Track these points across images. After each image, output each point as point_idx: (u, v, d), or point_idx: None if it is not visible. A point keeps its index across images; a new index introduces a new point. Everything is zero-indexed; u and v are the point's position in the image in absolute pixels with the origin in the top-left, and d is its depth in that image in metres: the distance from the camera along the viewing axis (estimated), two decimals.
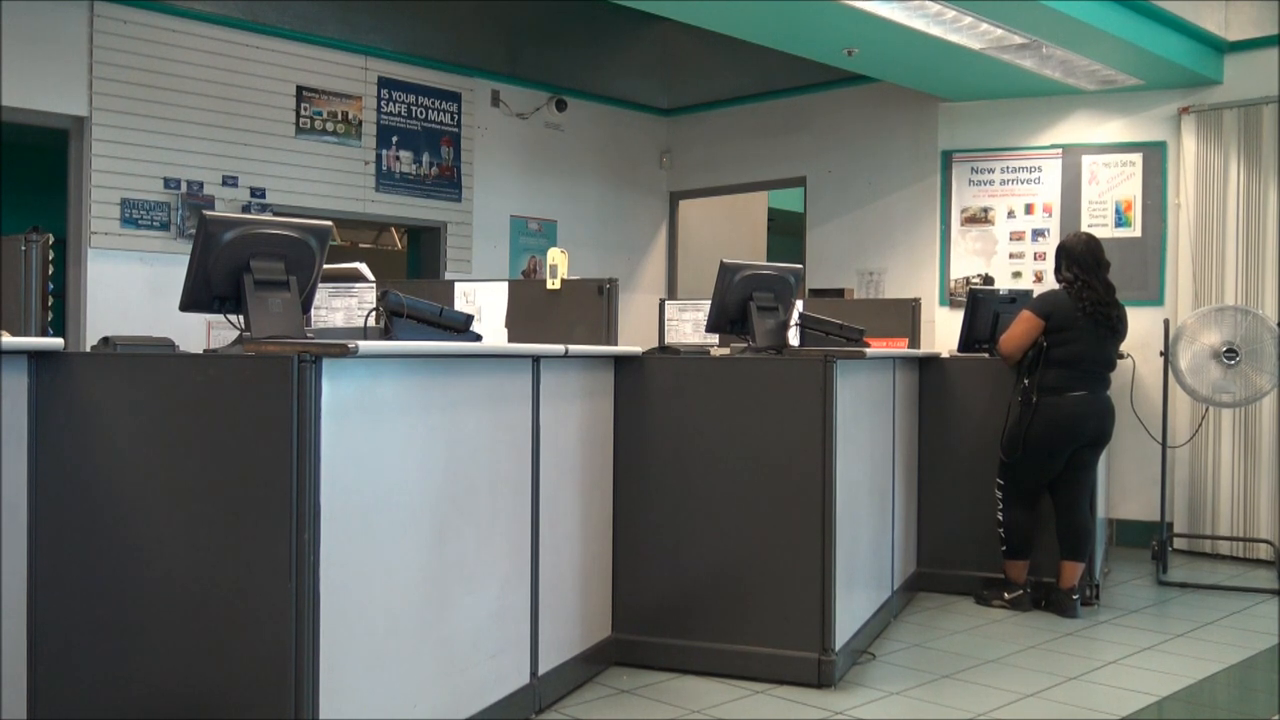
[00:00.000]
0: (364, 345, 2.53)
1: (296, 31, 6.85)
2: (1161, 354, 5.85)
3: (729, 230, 9.55)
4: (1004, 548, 5.10)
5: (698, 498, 3.94)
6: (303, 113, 6.92)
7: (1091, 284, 4.92)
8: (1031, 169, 7.11)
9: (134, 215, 6.22)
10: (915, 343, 5.84)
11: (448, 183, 7.65)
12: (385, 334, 3.03)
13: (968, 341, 5.55)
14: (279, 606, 2.44)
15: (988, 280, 7.13)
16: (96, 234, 6.10)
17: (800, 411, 3.83)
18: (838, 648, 3.85)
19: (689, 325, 5.79)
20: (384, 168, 7.32)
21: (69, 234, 6.12)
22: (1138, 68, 6.42)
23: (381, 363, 2.75)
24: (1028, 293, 5.62)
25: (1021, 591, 5.08)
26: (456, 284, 4.80)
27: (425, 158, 7.52)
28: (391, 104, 7.35)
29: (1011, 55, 6.21)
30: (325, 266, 3.11)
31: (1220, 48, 6.56)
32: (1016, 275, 7.12)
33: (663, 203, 9.11)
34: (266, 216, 3.46)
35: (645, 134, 8.97)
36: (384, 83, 7.31)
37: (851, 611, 4.12)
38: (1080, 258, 4.96)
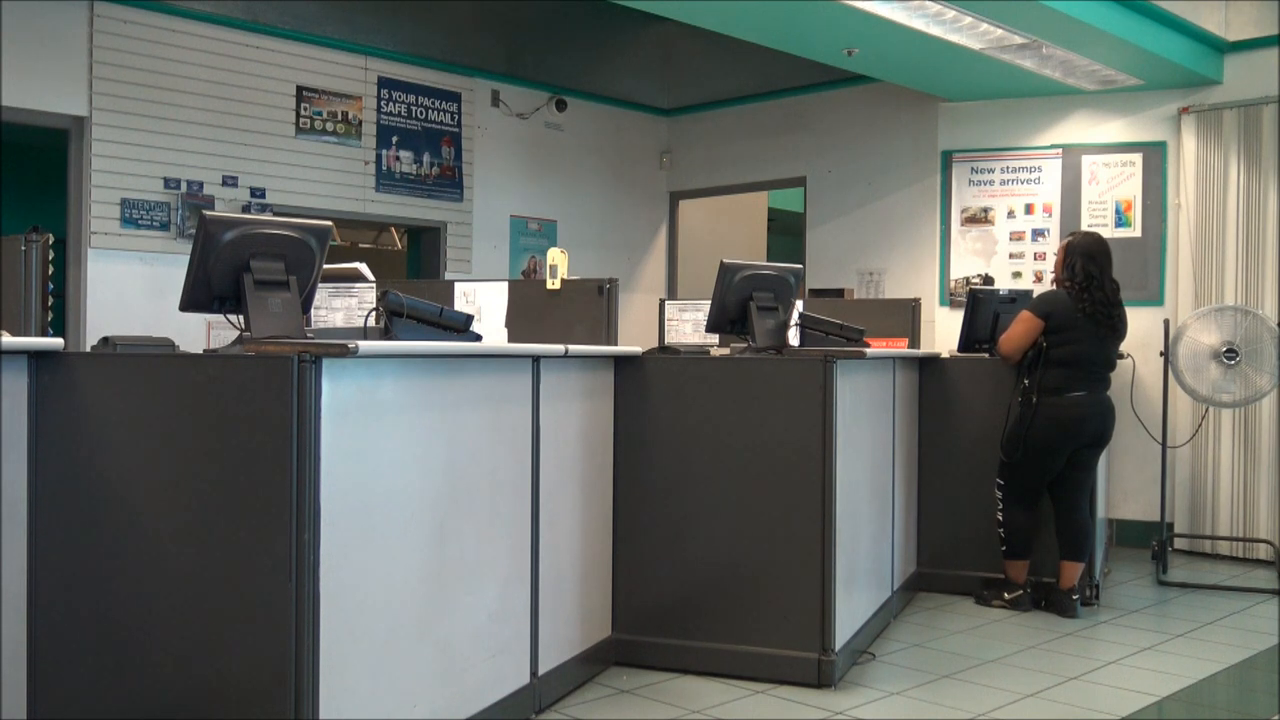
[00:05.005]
0: (364, 345, 2.53)
1: (296, 31, 6.85)
2: (1161, 354, 5.86)
3: (729, 230, 9.55)
4: (1004, 548, 5.10)
5: (698, 498, 3.94)
6: (303, 113, 6.92)
7: (1103, 284, 4.92)
8: (1031, 169, 7.11)
9: (134, 215, 6.22)
10: (915, 343, 5.84)
11: (448, 183, 7.66)
12: (385, 334, 3.03)
13: (968, 341, 5.55)
14: (279, 606, 2.44)
15: (988, 280, 7.13)
16: (96, 234, 6.10)
17: (800, 411, 3.83)
18: (838, 648, 3.85)
19: (689, 325, 5.79)
20: (384, 168, 7.32)
21: (69, 234, 6.12)
22: (1138, 68, 6.42)
23: (381, 363, 2.75)
24: (1028, 293, 5.62)
25: (1021, 591, 5.08)
26: (456, 284, 4.80)
27: (425, 158, 7.52)
28: (391, 104, 7.35)
29: (1011, 55, 6.21)
30: (325, 266, 3.11)
31: (1220, 48, 6.56)
32: (1016, 275, 7.12)
33: (663, 203, 9.11)
34: (266, 216, 3.46)
35: (645, 134, 8.97)
36: (384, 83, 7.31)
37: (851, 611, 4.12)
38: (1097, 256, 4.95)
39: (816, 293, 7.17)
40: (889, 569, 4.83)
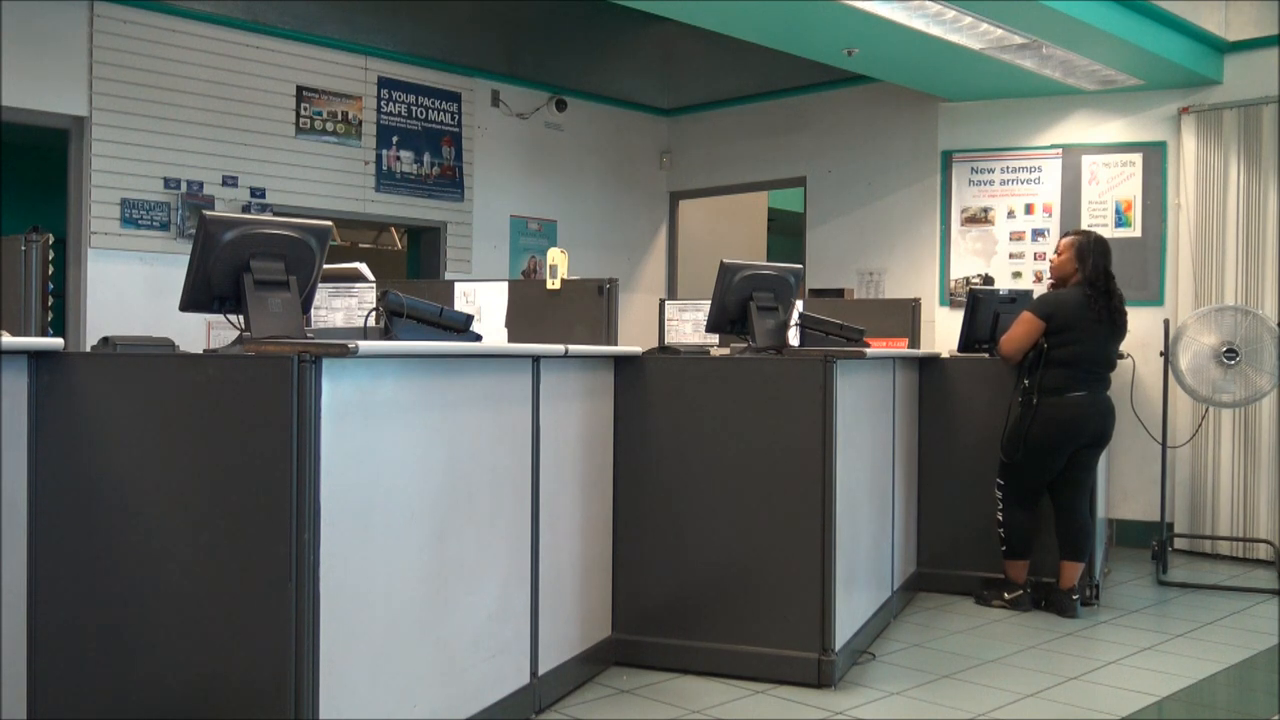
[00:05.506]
0: (364, 345, 2.53)
1: (296, 31, 6.85)
2: (1161, 354, 5.86)
3: (729, 230, 9.55)
4: (1004, 548, 5.10)
5: (698, 498, 3.94)
6: (303, 113, 6.92)
7: (1114, 282, 4.95)
8: (1031, 169, 7.11)
9: (134, 215, 6.22)
10: (915, 343, 5.84)
11: (448, 183, 7.66)
12: (385, 334, 3.03)
13: (968, 341, 5.55)
14: (279, 606, 2.44)
15: (988, 280, 7.13)
16: (96, 234, 6.10)
17: (800, 411, 3.83)
18: (838, 648, 3.85)
19: (689, 325, 5.79)
20: (384, 168, 7.32)
21: (69, 234, 6.12)
22: (1138, 68, 6.42)
23: (381, 363, 2.75)
24: (1028, 293, 5.62)
25: (1021, 591, 5.08)
26: (456, 284, 4.80)
27: (426, 158, 7.52)
28: (391, 104, 7.35)
29: (1011, 55, 6.21)
30: (325, 266, 3.11)
31: (1220, 48, 6.56)
32: (1016, 275, 7.12)
33: (663, 203, 9.11)
34: (266, 216, 3.46)
35: (645, 134, 8.97)
36: (384, 83, 7.31)
37: (851, 611, 4.12)
38: (1108, 254, 4.98)
39: (816, 293, 7.17)
40: (889, 569, 4.83)
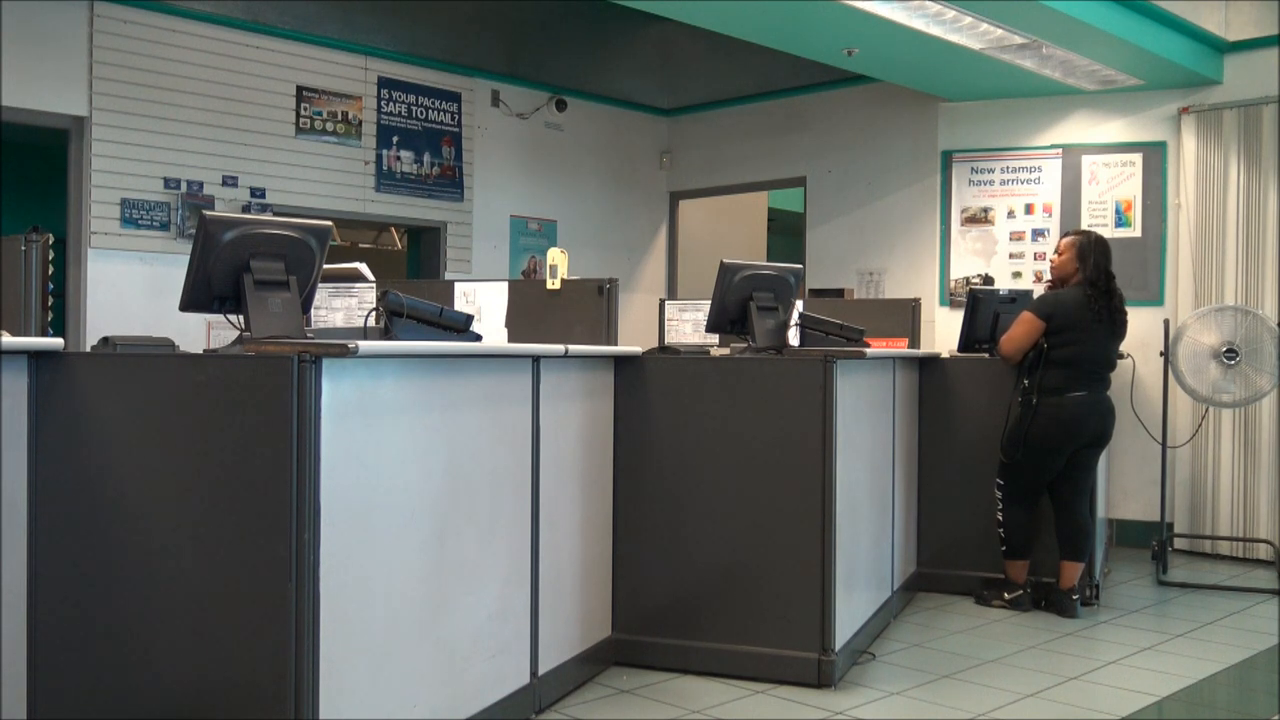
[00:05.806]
0: (364, 345, 2.53)
1: (296, 31, 6.85)
2: (1161, 354, 5.86)
3: (729, 230, 9.55)
4: (1004, 548, 5.10)
5: (698, 498, 3.94)
6: (303, 113, 6.92)
7: (1115, 282, 4.95)
8: (1031, 169, 7.11)
9: (134, 215, 6.22)
10: (915, 343, 5.84)
11: (448, 183, 7.66)
12: (385, 334, 3.03)
13: (968, 341, 5.55)
14: (279, 606, 2.44)
15: (988, 280, 7.13)
16: (96, 234, 6.10)
17: (800, 411, 3.83)
18: (838, 648, 3.85)
19: (689, 325, 5.79)
20: (384, 168, 7.32)
21: (69, 234, 6.13)
22: (1138, 68, 6.42)
23: (381, 363, 2.75)
24: (1028, 293, 5.62)
25: (1021, 591, 5.08)
26: (456, 284, 4.80)
27: (426, 158, 7.53)
28: (391, 104, 7.35)
29: (1011, 55, 6.22)
30: (325, 266, 3.11)
31: (1220, 48, 6.56)
32: (1016, 275, 7.12)
33: (663, 203, 9.11)
34: (266, 216, 3.46)
35: (645, 134, 8.97)
36: (384, 83, 7.31)
37: (851, 611, 4.12)
38: (1109, 254, 4.98)
39: (816, 293, 7.17)
40: (889, 569, 4.83)
